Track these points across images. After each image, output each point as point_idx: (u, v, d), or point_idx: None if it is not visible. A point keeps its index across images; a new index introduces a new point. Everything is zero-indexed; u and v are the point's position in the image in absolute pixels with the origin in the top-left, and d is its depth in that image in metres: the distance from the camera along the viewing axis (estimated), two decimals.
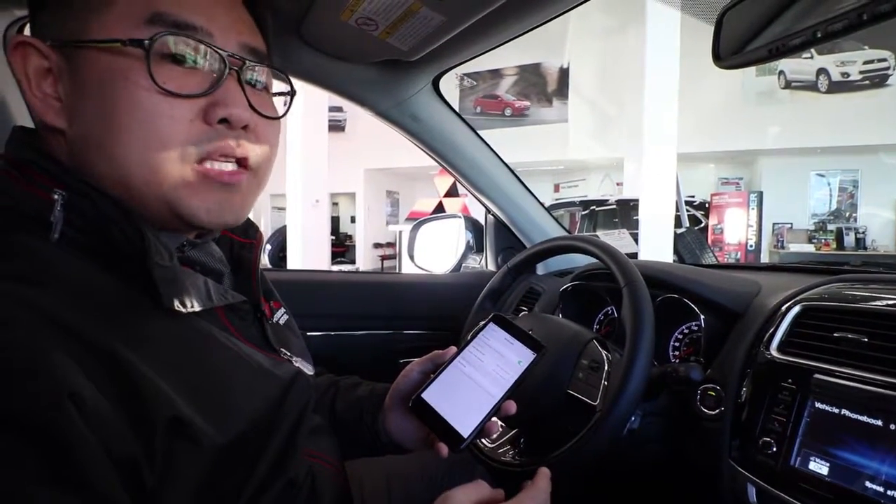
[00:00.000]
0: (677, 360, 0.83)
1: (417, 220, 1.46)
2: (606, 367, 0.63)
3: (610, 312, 0.98)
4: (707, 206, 7.41)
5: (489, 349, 0.56)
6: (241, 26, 0.44)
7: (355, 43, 0.72)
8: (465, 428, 0.49)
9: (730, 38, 0.56)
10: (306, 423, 0.48)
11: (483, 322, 0.59)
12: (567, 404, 0.65)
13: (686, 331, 0.83)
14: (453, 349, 0.57)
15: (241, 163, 0.43)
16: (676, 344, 0.86)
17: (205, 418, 0.37)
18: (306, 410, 0.48)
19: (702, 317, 0.74)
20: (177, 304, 0.38)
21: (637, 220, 5.06)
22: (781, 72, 7.80)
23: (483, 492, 0.44)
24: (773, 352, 0.62)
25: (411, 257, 1.42)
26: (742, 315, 0.72)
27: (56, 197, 0.37)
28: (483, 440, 0.68)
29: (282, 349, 0.51)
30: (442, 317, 1.15)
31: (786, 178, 8.17)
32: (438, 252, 1.40)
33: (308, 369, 0.53)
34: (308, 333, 1.03)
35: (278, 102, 0.48)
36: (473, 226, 1.35)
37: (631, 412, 0.58)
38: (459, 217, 1.37)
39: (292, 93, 0.50)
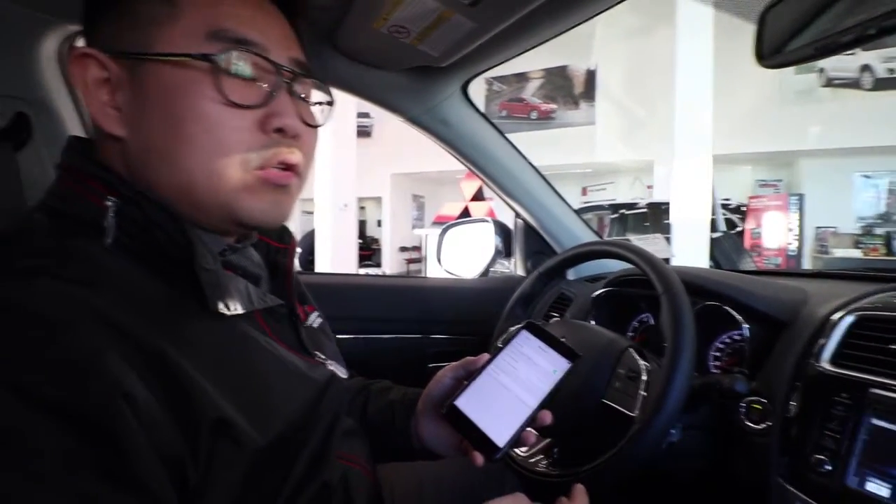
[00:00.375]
0: (718, 371, 0.80)
1: (445, 224, 1.46)
2: (645, 377, 0.61)
3: (645, 320, 0.95)
4: (744, 209, 7.15)
5: (523, 357, 0.55)
6: (290, 41, 0.46)
7: (387, 50, 0.72)
8: (501, 437, 0.49)
9: (773, 36, 0.54)
10: (340, 426, 0.48)
11: (515, 329, 0.58)
12: (603, 414, 0.63)
13: (727, 340, 0.80)
14: (486, 356, 0.56)
15: (291, 167, 0.45)
16: (717, 354, 0.82)
17: (247, 420, 0.37)
18: (340, 413, 0.48)
19: (745, 326, 0.71)
20: (221, 306, 0.39)
21: (669, 224, 4.93)
22: (821, 69, 7.49)
23: None
24: (825, 364, 0.58)
25: (439, 261, 1.41)
26: (789, 324, 0.69)
27: (109, 204, 0.39)
28: (517, 449, 0.67)
29: (316, 352, 0.51)
30: (470, 321, 1.15)
31: (828, 180, 7.81)
32: (466, 256, 1.40)
33: (342, 372, 0.53)
34: (337, 336, 1.04)
35: (316, 111, 0.50)
36: (502, 230, 1.34)
37: (671, 425, 0.56)
38: (488, 221, 1.36)
39: (331, 102, 0.52)
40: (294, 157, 0.44)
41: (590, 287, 1.03)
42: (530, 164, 1.09)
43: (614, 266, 1.22)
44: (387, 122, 9.70)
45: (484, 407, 0.52)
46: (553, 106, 8.64)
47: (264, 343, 0.44)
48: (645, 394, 0.59)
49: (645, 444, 0.55)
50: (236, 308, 0.41)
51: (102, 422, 0.30)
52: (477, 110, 0.96)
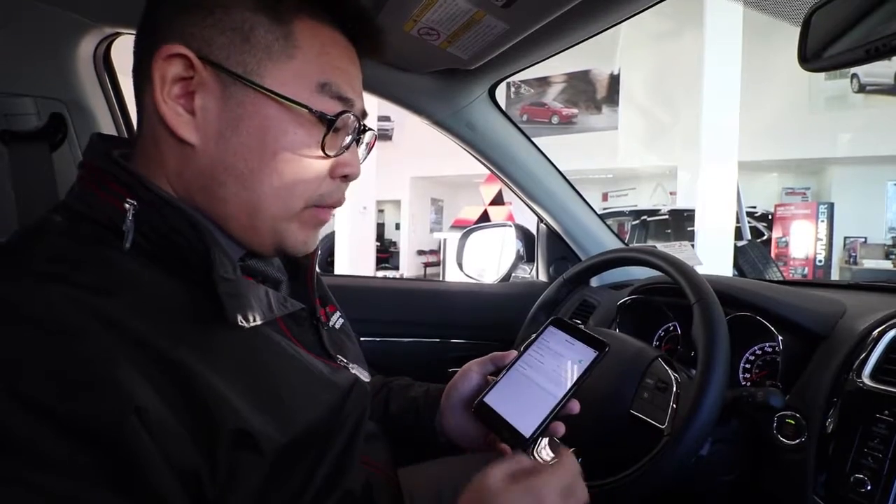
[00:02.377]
0: (748, 384, 0.77)
1: (466, 228, 1.45)
2: (675, 389, 0.59)
3: (671, 329, 0.93)
4: (770, 217, 6.97)
5: (549, 352, 0.54)
6: (362, 93, 0.48)
7: (416, 53, 0.72)
8: (528, 428, 0.48)
9: (817, 39, 0.52)
10: (363, 430, 0.48)
11: (543, 326, 0.57)
12: (630, 425, 0.62)
13: (758, 352, 0.78)
14: (514, 353, 0.56)
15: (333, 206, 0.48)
16: (747, 366, 0.80)
17: (268, 428, 0.37)
18: (363, 419, 0.48)
19: (779, 338, 0.69)
20: (240, 319, 0.38)
21: (692, 232, 4.82)
22: (854, 75, 7.28)
23: (519, 465, 0.43)
24: (866, 379, 0.56)
25: (460, 266, 1.41)
26: (826, 338, 0.66)
27: (128, 206, 0.38)
28: (541, 454, 0.66)
29: (338, 356, 0.51)
30: (492, 327, 1.14)
31: (859, 189, 7.58)
32: (487, 261, 1.39)
33: (364, 376, 0.53)
34: (362, 339, 1.04)
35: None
36: (524, 235, 1.33)
37: (703, 438, 0.54)
38: (510, 226, 1.35)
39: (373, 145, 0.53)
40: (344, 196, 0.48)
41: (614, 294, 1.02)
42: (555, 168, 1.08)
43: (639, 274, 1.20)
44: (407, 126, 9.75)
45: (512, 401, 0.51)
46: (575, 110, 8.58)
47: (286, 347, 0.43)
48: (675, 406, 0.58)
49: (675, 459, 0.53)
50: (255, 319, 0.40)
51: (114, 436, 0.30)
52: (503, 113, 0.95)
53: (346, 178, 0.47)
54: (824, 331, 0.67)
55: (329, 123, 0.42)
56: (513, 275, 1.35)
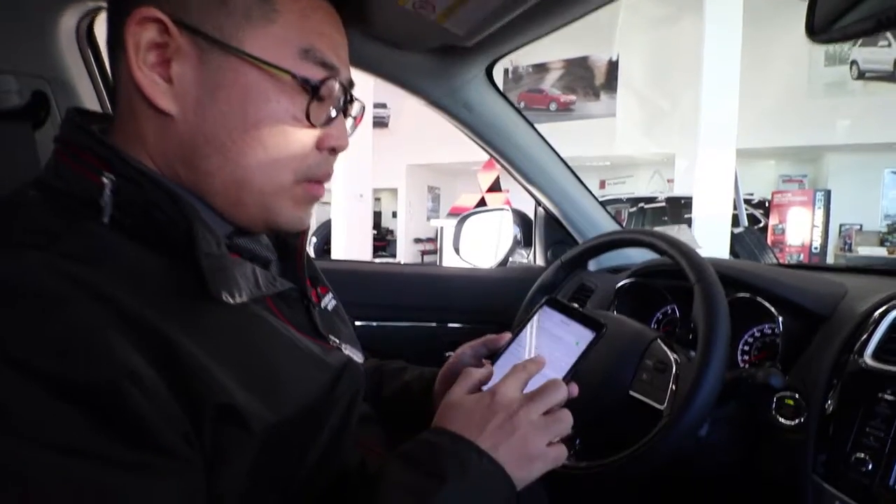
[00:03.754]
0: (746, 366, 0.77)
1: (463, 214, 1.44)
2: (675, 370, 0.58)
3: (669, 312, 0.92)
4: (767, 204, 6.97)
5: (545, 333, 0.53)
6: (347, 58, 0.46)
7: (411, 29, 0.70)
8: None
9: (826, 8, 0.50)
10: (356, 411, 0.47)
11: (537, 306, 0.56)
12: (628, 407, 0.61)
13: (757, 334, 0.77)
14: (508, 335, 0.55)
15: (322, 180, 0.47)
16: (745, 348, 0.79)
17: (258, 406, 0.36)
18: (356, 399, 0.47)
19: (780, 319, 0.68)
20: (225, 295, 0.37)
21: (688, 219, 4.82)
22: (854, 61, 7.23)
23: (473, 378, 0.48)
24: (868, 360, 0.55)
25: (456, 251, 1.40)
26: (827, 318, 0.66)
27: (105, 181, 0.37)
28: None
29: (330, 336, 0.50)
30: (488, 311, 1.13)
31: (856, 176, 7.57)
32: (484, 246, 1.38)
33: (358, 357, 0.52)
34: (358, 323, 1.03)
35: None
36: (521, 219, 1.32)
37: (702, 419, 0.53)
38: (507, 210, 1.34)
39: (361, 117, 0.52)
40: (332, 169, 0.47)
41: (612, 278, 1.01)
42: (554, 151, 1.06)
43: (637, 258, 1.19)
44: (403, 113, 9.67)
45: None
46: (572, 97, 8.51)
47: (276, 326, 0.42)
48: (674, 387, 0.57)
49: (673, 439, 0.52)
50: (241, 296, 0.39)
51: (112, 396, 0.29)
52: (501, 94, 0.93)
53: (334, 151, 0.45)
54: (825, 312, 0.67)
55: (313, 90, 0.41)
56: (510, 259, 1.34)
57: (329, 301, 0.58)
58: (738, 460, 0.66)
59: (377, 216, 11.61)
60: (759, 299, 0.71)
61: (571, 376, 0.50)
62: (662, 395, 0.57)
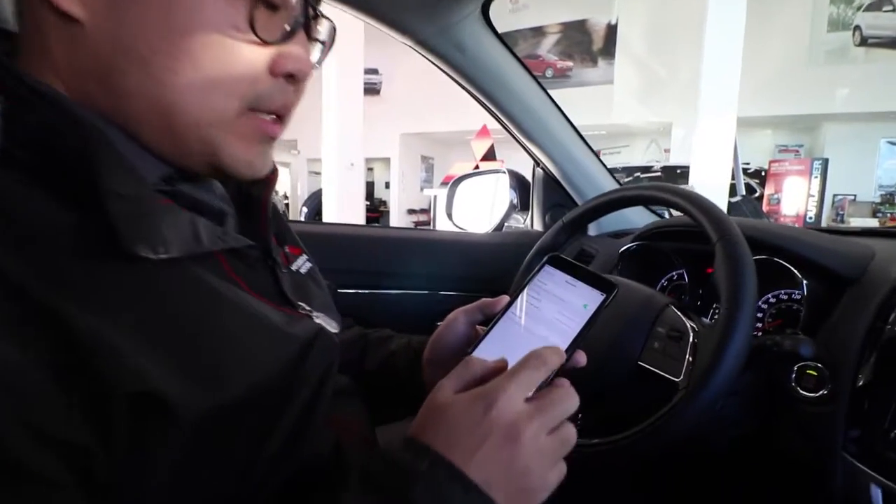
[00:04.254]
0: (760, 334, 0.71)
1: (457, 177, 1.35)
2: (692, 338, 0.52)
3: (675, 278, 0.87)
4: (763, 173, 6.91)
5: (547, 295, 0.46)
6: None
7: None
8: None
9: None
10: (329, 388, 0.40)
11: (539, 265, 0.49)
12: (638, 379, 0.55)
13: (772, 300, 0.71)
14: (505, 298, 0.48)
15: (282, 117, 0.39)
16: (759, 315, 0.74)
17: (188, 389, 0.29)
18: (329, 374, 0.40)
19: (804, 282, 0.62)
20: (143, 249, 0.30)
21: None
22: (857, 26, 7.05)
23: (469, 372, 0.36)
24: None
25: (449, 216, 1.32)
26: (855, 282, 0.60)
27: None
28: None
29: (300, 303, 0.43)
30: (483, 278, 1.06)
31: (852, 146, 7.51)
32: (479, 210, 1.30)
33: (332, 326, 0.45)
34: (341, 291, 0.96)
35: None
36: (518, 182, 1.24)
37: (724, 392, 0.48)
38: (503, 172, 1.26)
39: (331, 43, 0.43)
40: (292, 102, 0.39)
41: (614, 243, 0.94)
42: (555, 103, 0.97)
43: (639, 222, 1.13)
44: (396, 80, 9.39)
45: (507, 355, 0.44)
46: (570, 63, 8.28)
47: (224, 291, 0.35)
48: (691, 357, 0.51)
49: (691, 414, 0.47)
50: (167, 251, 0.31)
51: None
52: (498, 36, 0.84)
53: (294, 79, 0.37)
54: (854, 274, 0.60)
55: None
56: (506, 225, 1.27)
57: (302, 263, 0.51)
58: (751, 435, 0.61)
59: (370, 187, 11.43)
60: (780, 260, 0.64)
61: (578, 344, 0.43)
62: (677, 366, 0.51)
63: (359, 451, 0.45)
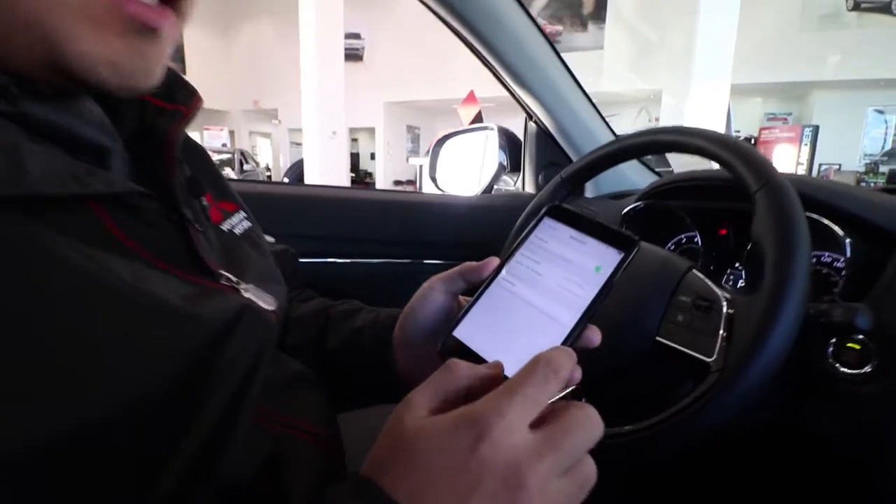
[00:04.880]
0: None
1: (442, 135, 1.23)
2: (725, 308, 0.43)
3: (684, 241, 0.77)
4: (753, 141, 6.85)
5: (549, 256, 0.36)
6: None
7: None
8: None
9: None
10: (258, 382, 0.30)
11: (537, 218, 0.39)
12: (655, 357, 0.46)
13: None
14: (494, 261, 0.38)
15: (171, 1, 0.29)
16: None
17: (18, 409, 0.19)
18: (259, 364, 0.30)
19: (847, 241, 0.52)
20: None
21: (664, 171, 4.68)
22: None
23: (453, 383, 0.26)
24: None
25: (433, 178, 1.21)
26: None
27: None
28: None
29: (224, 272, 0.32)
30: (471, 244, 0.96)
31: (840, 116, 7.48)
32: (466, 171, 1.19)
33: (268, 302, 0.34)
34: (308, 260, 0.85)
35: None
36: (508, 140, 1.13)
37: (770, 375, 0.38)
38: (492, 128, 1.14)
39: None
40: None
41: (615, 204, 0.85)
42: (551, 44, 0.85)
43: (640, 183, 1.03)
44: (379, 45, 9.04)
45: (498, 334, 0.34)
46: (559, 27, 8.02)
47: (79, 260, 0.24)
48: (725, 332, 0.41)
49: (729, 402, 0.38)
50: None
51: None
52: None
53: None
54: None
55: None
56: (495, 188, 1.16)
57: (238, 222, 0.40)
58: (779, 417, 0.53)
59: (354, 158, 11.15)
60: (818, 217, 0.55)
61: (589, 317, 0.33)
62: (708, 343, 0.42)
63: (308, 454, 0.35)
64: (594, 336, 0.33)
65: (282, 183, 2.70)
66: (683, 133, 0.53)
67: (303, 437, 0.35)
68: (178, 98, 0.34)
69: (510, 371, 0.32)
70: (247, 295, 0.32)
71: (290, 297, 0.55)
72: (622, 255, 0.35)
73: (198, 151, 0.42)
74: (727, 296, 0.44)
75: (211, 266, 0.32)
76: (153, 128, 0.33)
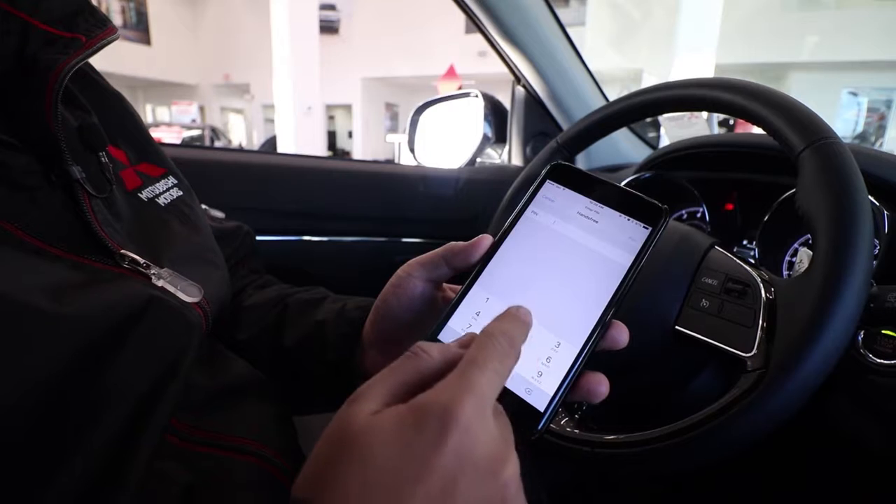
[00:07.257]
0: None
1: (422, 102, 1.13)
2: (764, 294, 0.36)
3: (685, 217, 0.71)
4: (731, 122, 6.90)
5: (551, 234, 0.29)
6: None
7: None
8: (539, 397, 0.24)
9: None
10: (168, 399, 0.22)
11: (535, 183, 0.30)
12: (673, 351, 0.39)
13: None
14: (486, 239, 0.29)
15: None
16: (793, 260, 0.59)
17: None
18: (172, 374, 0.23)
19: (885, 214, 0.46)
20: None
21: (654, 137, 4.66)
22: None
23: (417, 368, 0.21)
24: None
25: (411, 150, 1.11)
26: None
27: None
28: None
29: (126, 252, 0.24)
30: (454, 221, 0.88)
31: (816, 97, 7.56)
32: (448, 142, 1.10)
33: (189, 293, 0.25)
34: (268, 238, 0.75)
35: None
36: (494, 108, 1.03)
37: (826, 374, 0.32)
38: (476, 95, 1.04)
39: None
40: None
41: (612, 177, 0.77)
42: (548, 4, 0.76)
43: (635, 157, 0.96)
44: (356, 18, 8.72)
45: None
46: None
47: None
48: (765, 323, 0.34)
49: (778, 408, 0.31)
50: None
51: None
52: None
53: None
54: None
55: None
56: (478, 160, 1.07)
57: (164, 191, 0.32)
58: (804, 413, 0.47)
59: (332, 137, 10.86)
60: None
61: (613, 313, 0.26)
62: (743, 335, 0.34)
63: (243, 491, 0.27)
64: (620, 335, 0.26)
65: (236, 149, 2.48)
66: (707, 87, 0.45)
67: (244, 459, 0.27)
68: (78, 24, 0.26)
69: (514, 384, 0.24)
70: (158, 283, 0.24)
71: (244, 283, 0.47)
72: (649, 229, 0.27)
73: (116, 99, 0.33)
74: (764, 276, 0.37)
75: (110, 243, 0.23)
76: (34, 60, 0.24)
